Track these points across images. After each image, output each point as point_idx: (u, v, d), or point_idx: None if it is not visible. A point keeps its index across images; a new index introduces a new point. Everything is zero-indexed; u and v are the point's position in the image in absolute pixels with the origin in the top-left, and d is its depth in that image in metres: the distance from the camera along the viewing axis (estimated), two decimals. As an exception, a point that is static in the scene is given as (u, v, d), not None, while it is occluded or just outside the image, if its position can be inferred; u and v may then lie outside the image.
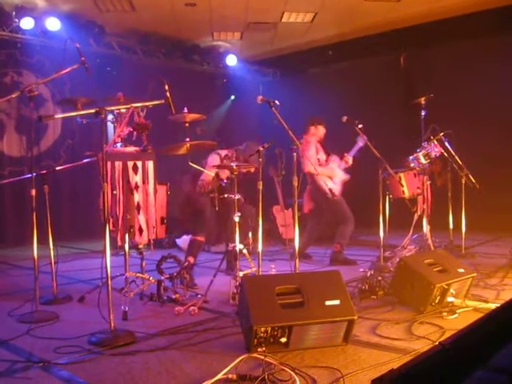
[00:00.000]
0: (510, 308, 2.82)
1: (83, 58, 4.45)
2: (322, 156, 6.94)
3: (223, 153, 5.77)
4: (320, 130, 7.00)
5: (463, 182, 6.98)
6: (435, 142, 6.53)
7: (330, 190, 6.31)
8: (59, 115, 3.98)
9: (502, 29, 8.79)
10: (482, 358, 2.09)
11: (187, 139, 4.91)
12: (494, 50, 9.07)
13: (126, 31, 9.87)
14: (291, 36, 10.54)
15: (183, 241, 8.02)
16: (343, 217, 6.78)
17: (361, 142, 6.67)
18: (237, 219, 4.74)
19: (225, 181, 5.45)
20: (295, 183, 4.65)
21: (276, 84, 12.26)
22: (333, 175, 6.84)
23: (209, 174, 5.62)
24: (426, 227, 6.61)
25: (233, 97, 12.47)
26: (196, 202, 5.67)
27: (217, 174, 5.64)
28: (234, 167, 4.77)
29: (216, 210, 5.38)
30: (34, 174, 4.33)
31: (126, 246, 4.64)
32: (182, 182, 5.98)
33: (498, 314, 2.72)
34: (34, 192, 4.27)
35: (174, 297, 4.64)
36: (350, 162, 6.93)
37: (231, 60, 11.27)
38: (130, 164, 4.40)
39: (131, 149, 4.57)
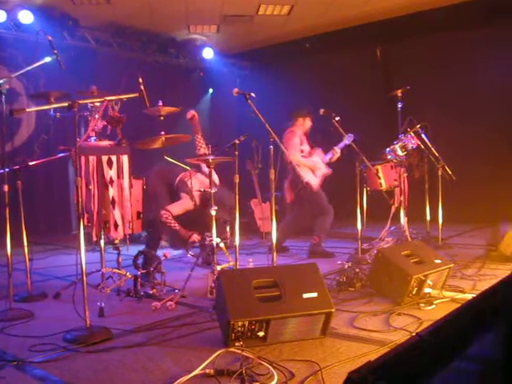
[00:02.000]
0: (486, 298, 2.84)
1: (56, 51, 4.39)
2: (306, 147, 6.92)
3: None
4: (307, 123, 6.99)
5: (440, 174, 7.01)
6: (412, 133, 6.55)
7: (307, 183, 6.29)
8: (31, 108, 3.91)
9: (478, 21, 8.86)
10: (459, 348, 2.09)
11: (162, 132, 4.86)
12: (470, 42, 9.13)
13: (100, 24, 9.72)
14: (268, 29, 10.48)
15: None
16: (322, 208, 6.79)
17: (347, 140, 6.60)
18: (213, 213, 4.71)
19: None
20: (272, 176, 4.63)
21: (253, 77, 12.22)
22: (315, 168, 6.83)
23: (178, 206, 5.61)
24: (403, 219, 6.63)
25: (211, 90, 12.42)
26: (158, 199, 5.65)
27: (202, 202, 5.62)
28: (211, 160, 4.73)
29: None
30: (7, 170, 4.26)
31: (102, 242, 4.58)
32: (149, 177, 5.89)
33: (475, 305, 2.74)
34: (6, 188, 4.19)
35: (151, 292, 4.60)
36: (337, 155, 6.85)
37: (208, 53, 11.19)
38: (105, 158, 4.34)
39: (105, 143, 4.51)
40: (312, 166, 6.80)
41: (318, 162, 6.91)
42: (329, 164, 6.98)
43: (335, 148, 6.83)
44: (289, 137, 6.77)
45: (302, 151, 6.80)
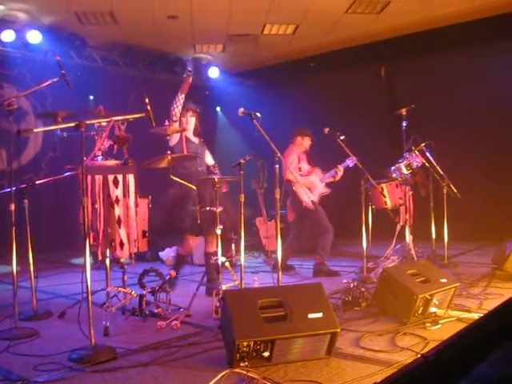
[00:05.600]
0: (491, 319, 2.83)
1: (63, 71, 4.43)
2: (305, 166, 6.97)
3: None
4: (306, 142, 7.06)
5: (445, 192, 7.02)
6: (416, 152, 6.57)
7: (312, 201, 6.34)
8: (38, 129, 3.95)
9: (482, 39, 8.90)
10: (464, 369, 2.09)
11: (168, 152, 4.88)
12: (474, 60, 9.18)
13: (107, 44, 9.83)
14: (273, 48, 10.57)
15: (166, 254, 7.97)
16: (321, 227, 6.80)
17: (349, 162, 6.68)
18: (219, 232, 4.72)
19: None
20: (277, 195, 4.64)
21: (258, 95, 12.26)
22: (312, 186, 6.86)
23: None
24: (408, 237, 6.63)
25: (218, 108, 12.55)
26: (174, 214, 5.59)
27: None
28: (216, 180, 4.75)
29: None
30: (13, 189, 4.28)
31: (107, 261, 4.58)
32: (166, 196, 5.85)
33: (480, 325, 2.73)
34: (13, 206, 4.22)
35: (156, 311, 4.59)
36: (340, 173, 6.89)
37: (213, 72, 11.28)
38: (111, 177, 4.36)
39: (112, 162, 4.54)
40: (309, 185, 6.83)
41: (316, 180, 6.96)
42: (330, 184, 7.02)
43: (339, 166, 6.86)
44: (286, 155, 6.82)
45: (300, 169, 6.85)
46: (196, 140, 5.84)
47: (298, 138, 7.04)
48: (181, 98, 5.65)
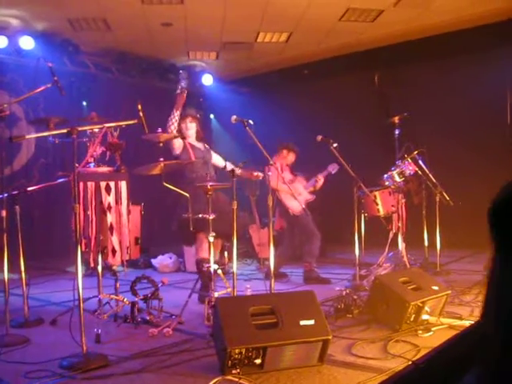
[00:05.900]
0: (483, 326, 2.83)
1: (56, 78, 4.43)
2: (287, 176, 7.02)
3: None
4: (290, 157, 7.14)
5: (437, 200, 7.04)
6: (409, 160, 6.60)
7: (304, 209, 6.36)
8: (30, 135, 3.94)
9: (476, 47, 8.95)
10: (456, 376, 2.09)
11: (161, 159, 4.87)
12: (468, 67, 9.23)
13: (101, 50, 9.82)
14: (267, 55, 10.60)
15: (159, 261, 7.95)
16: (307, 233, 6.81)
17: (331, 168, 6.80)
18: (211, 239, 4.71)
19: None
20: (270, 202, 4.64)
21: (252, 103, 12.28)
22: (296, 193, 6.88)
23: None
24: (401, 245, 6.65)
25: (212, 116, 12.56)
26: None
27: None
28: (209, 187, 4.75)
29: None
30: (5, 195, 4.27)
31: (99, 268, 4.57)
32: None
33: (472, 332, 2.74)
34: (4, 213, 4.20)
35: (148, 318, 4.58)
36: (321, 182, 7.00)
37: (207, 79, 11.29)
38: (103, 184, 4.36)
39: (104, 169, 4.53)
40: (292, 192, 6.84)
41: (299, 187, 7.02)
42: (313, 191, 7.09)
43: (318, 175, 7.01)
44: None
45: (282, 178, 6.87)
46: (200, 145, 5.85)
47: (284, 151, 7.09)
48: (176, 115, 5.64)
